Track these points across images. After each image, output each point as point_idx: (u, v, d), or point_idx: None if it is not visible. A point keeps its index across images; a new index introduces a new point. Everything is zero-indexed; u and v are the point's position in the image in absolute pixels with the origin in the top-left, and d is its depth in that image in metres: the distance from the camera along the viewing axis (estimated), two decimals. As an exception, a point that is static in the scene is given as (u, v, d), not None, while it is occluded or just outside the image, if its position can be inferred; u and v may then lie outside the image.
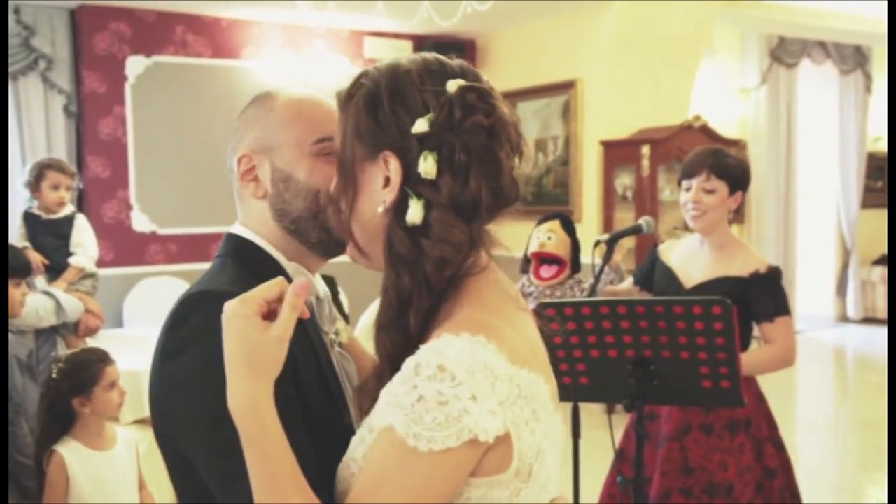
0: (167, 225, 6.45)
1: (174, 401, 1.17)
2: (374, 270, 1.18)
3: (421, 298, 1.08)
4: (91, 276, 4.00)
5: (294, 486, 1.02)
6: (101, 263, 4.15)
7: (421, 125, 1.07)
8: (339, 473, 1.11)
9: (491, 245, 1.15)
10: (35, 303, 3.41)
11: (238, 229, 1.35)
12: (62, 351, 3.59)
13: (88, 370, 2.70)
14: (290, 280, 1.19)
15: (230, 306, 1.05)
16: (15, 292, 2.94)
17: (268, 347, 1.03)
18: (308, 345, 1.24)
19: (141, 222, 6.37)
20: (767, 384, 2.90)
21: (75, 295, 3.73)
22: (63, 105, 6.03)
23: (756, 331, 2.87)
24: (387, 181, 1.10)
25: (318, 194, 1.30)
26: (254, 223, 1.34)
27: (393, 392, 1.02)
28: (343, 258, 1.32)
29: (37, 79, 5.92)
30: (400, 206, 1.09)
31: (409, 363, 1.01)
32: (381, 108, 1.10)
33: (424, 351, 1.02)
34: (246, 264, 1.29)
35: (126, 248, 6.30)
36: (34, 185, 3.90)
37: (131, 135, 6.29)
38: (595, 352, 2.42)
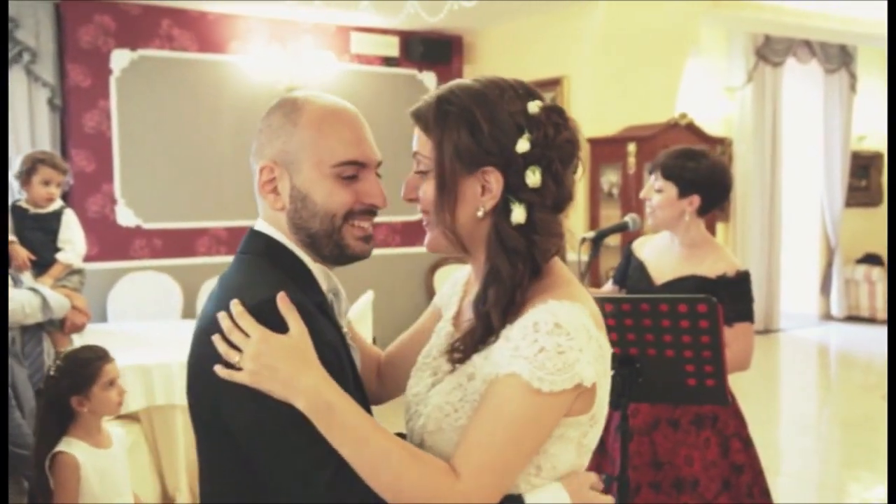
0: (152, 219, 6.42)
1: (245, 405, 1.23)
2: (465, 260, 1.42)
3: (528, 280, 1.31)
4: (78, 272, 3.96)
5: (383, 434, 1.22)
6: (85, 258, 4.11)
7: (523, 145, 1.30)
8: (430, 414, 1.32)
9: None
10: (21, 299, 3.36)
11: (263, 227, 1.38)
12: (48, 348, 3.56)
13: (87, 368, 2.63)
14: (315, 280, 1.36)
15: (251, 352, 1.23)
16: None
17: (301, 343, 1.23)
18: (339, 339, 1.34)
19: (126, 216, 6.33)
20: (751, 383, 2.92)
21: (61, 291, 3.68)
22: (47, 98, 5.98)
23: None
24: (484, 190, 1.31)
25: (334, 217, 1.33)
26: (276, 223, 1.37)
27: (514, 346, 1.24)
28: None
29: (20, 72, 5.86)
30: (501, 210, 1.31)
31: (525, 322, 1.25)
32: (480, 132, 1.30)
33: (539, 312, 1.26)
34: (277, 265, 1.33)
35: (110, 242, 6.26)
36: (25, 178, 3.86)
37: (116, 129, 6.25)
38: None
